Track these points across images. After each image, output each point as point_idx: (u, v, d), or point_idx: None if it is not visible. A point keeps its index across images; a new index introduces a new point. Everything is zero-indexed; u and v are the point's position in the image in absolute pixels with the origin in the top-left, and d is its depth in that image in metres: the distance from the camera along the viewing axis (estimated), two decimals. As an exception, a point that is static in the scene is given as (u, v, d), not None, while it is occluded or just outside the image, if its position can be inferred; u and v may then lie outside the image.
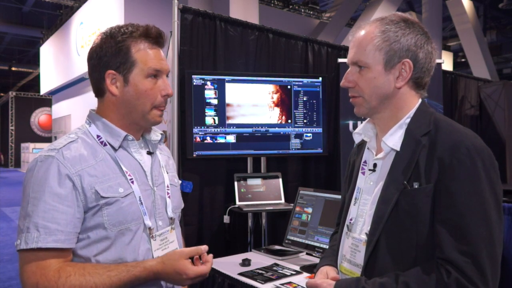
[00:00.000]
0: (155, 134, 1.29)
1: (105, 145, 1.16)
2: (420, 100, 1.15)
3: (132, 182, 1.16)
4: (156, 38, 1.19)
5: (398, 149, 1.09)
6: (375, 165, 1.16)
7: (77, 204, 1.07)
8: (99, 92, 1.21)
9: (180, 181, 1.45)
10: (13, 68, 22.01)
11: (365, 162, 1.21)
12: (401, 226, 1.04)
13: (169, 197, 1.28)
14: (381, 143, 1.13)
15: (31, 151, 20.72)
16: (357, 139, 1.26)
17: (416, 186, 1.03)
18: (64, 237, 1.05)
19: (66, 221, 1.05)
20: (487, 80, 6.34)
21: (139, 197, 1.16)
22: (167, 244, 1.23)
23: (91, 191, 1.09)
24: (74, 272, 1.03)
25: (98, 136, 1.17)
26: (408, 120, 1.12)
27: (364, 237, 1.12)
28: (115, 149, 1.17)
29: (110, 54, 1.15)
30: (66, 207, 1.06)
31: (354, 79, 1.14)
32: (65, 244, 1.05)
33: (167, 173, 1.32)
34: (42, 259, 1.03)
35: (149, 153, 1.26)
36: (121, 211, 1.12)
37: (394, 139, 1.11)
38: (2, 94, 25.84)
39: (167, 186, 1.29)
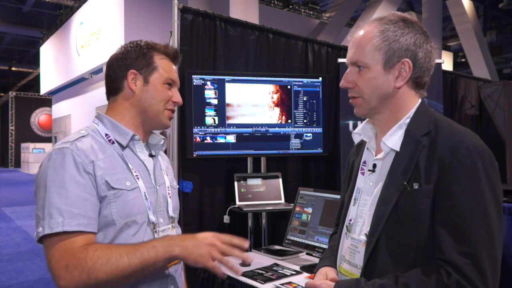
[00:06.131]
0: (158, 139, 1.36)
1: (113, 143, 1.22)
2: (420, 100, 1.14)
3: (138, 178, 1.22)
4: (174, 55, 1.33)
5: (398, 149, 1.09)
6: (374, 165, 1.16)
7: (95, 192, 1.12)
8: (115, 89, 1.28)
9: (178, 186, 1.52)
10: (13, 68, 22.03)
11: (364, 162, 1.21)
12: (401, 227, 1.03)
13: (170, 197, 1.33)
14: (381, 143, 1.12)
15: (31, 151, 20.73)
16: (356, 139, 1.26)
17: (416, 187, 1.02)
18: (87, 222, 1.09)
19: (87, 207, 1.10)
20: (487, 80, 6.34)
21: (144, 192, 1.22)
22: None
23: (101, 181, 1.14)
24: (100, 246, 1.08)
25: (106, 135, 1.23)
26: (408, 120, 1.11)
27: (363, 237, 1.12)
28: (123, 147, 1.23)
29: (135, 57, 1.27)
30: (86, 194, 1.10)
31: (353, 80, 1.14)
32: (88, 228, 1.09)
33: (167, 175, 1.39)
34: (68, 241, 1.06)
35: (150, 155, 1.33)
36: (128, 204, 1.17)
37: (394, 139, 1.10)
38: (2, 94, 25.86)
39: (168, 187, 1.35)
